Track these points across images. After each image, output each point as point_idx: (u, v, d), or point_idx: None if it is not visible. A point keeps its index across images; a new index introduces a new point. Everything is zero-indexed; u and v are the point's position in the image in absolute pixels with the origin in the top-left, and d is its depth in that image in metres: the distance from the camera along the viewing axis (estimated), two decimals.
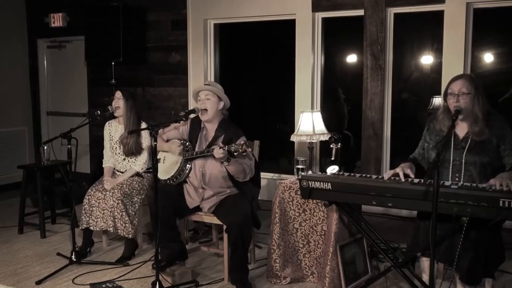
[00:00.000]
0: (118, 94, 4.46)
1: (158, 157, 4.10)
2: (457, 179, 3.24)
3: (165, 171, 4.04)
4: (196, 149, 3.92)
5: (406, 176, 3.23)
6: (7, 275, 4.04)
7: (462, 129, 3.31)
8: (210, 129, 3.94)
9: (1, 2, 7.03)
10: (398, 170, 3.26)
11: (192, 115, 3.97)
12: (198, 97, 3.91)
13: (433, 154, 3.32)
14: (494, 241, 3.08)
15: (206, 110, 3.86)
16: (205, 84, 3.99)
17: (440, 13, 4.98)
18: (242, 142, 3.51)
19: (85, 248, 4.42)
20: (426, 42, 5.61)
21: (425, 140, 3.47)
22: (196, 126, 4.01)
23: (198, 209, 3.96)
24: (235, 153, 3.54)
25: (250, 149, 3.56)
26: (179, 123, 3.95)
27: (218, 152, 3.58)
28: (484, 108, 3.24)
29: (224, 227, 3.80)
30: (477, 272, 3.02)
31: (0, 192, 6.70)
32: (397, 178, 3.23)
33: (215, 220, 3.94)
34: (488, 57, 5.35)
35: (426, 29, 5.54)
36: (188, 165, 3.93)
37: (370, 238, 3.54)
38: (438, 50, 5.31)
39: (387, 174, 3.30)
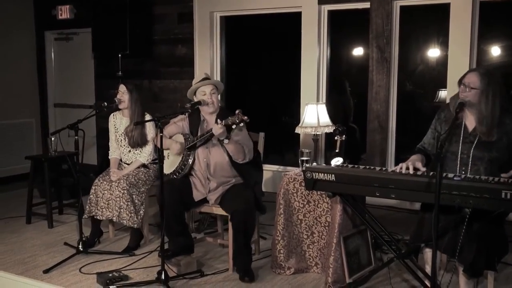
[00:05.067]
0: (122, 88, 4.48)
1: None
2: (463, 172, 3.21)
3: (170, 165, 4.07)
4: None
5: (415, 170, 3.16)
6: (15, 264, 4.10)
7: (471, 121, 3.27)
8: (210, 119, 3.98)
9: None
10: (409, 164, 3.19)
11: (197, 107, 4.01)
12: (203, 92, 3.93)
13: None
14: (497, 233, 3.09)
15: (213, 104, 3.91)
16: (205, 79, 3.99)
17: (446, 6, 4.96)
18: (237, 112, 3.54)
19: (93, 238, 4.47)
20: (431, 35, 5.60)
21: (436, 129, 3.43)
22: (196, 118, 4.04)
23: (204, 201, 4.00)
24: (233, 126, 3.57)
25: (246, 117, 3.56)
26: (185, 115, 3.98)
27: (217, 128, 3.62)
28: (494, 108, 3.14)
29: (229, 216, 3.83)
30: (480, 264, 3.03)
31: (8, 183, 6.77)
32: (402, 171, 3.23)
33: (220, 211, 3.97)
34: (494, 50, 5.33)
35: (432, 22, 5.53)
36: (190, 158, 3.96)
37: (374, 229, 3.56)
38: (443, 43, 5.30)
39: (398, 167, 3.21)
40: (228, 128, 3.62)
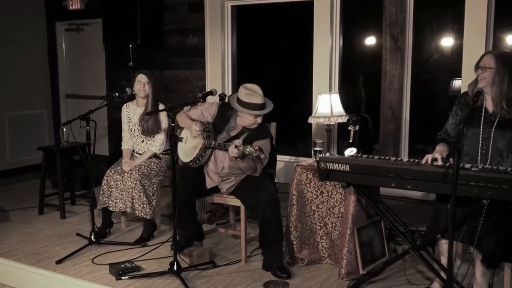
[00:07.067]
0: (144, 77, 4.43)
1: (181, 136, 4.08)
2: (484, 151, 3.19)
3: (186, 152, 4.02)
4: (218, 139, 3.86)
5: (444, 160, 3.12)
6: (28, 254, 4.11)
7: (491, 103, 3.25)
8: (239, 126, 3.88)
9: None
10: (437, 155, 3.13)
11: (209, 97, 3.95)
12: (251, 117, 3.78)
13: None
14: None
15: (256, 125, 3.81)
16: (258, 105, 3.74)
17: None
18: (257, 148, 3.48)
19: (104, 229, 4.47)
20: (446, 23, 5.51)
21: (456, 114, 3.40)
22: (226, 116, 3.91)
23: (215, 190, 3.97)
24: (248, 156, 3.55)
25: (263, 155, 3.54)
26: (200, 102, 3.91)
27: (232, 150, 3.59)
28: (510, 88, 3.14)
29: (244, 209, 3.79)
30: (497, 255, 2.99)
31: (20, 174, 6.82)
32: (416, 160, 3.20)
33: (233, 202, 3.94)
34: (510, 39, 5.23)
35: (447, 10, 5.44)
36: (208, 152, 3.90)
37: (388, 220, 3.52)
38: (458, 32, 5.21)
39: (425, 158, 3.15)
40: (243, 155, 3.57)
